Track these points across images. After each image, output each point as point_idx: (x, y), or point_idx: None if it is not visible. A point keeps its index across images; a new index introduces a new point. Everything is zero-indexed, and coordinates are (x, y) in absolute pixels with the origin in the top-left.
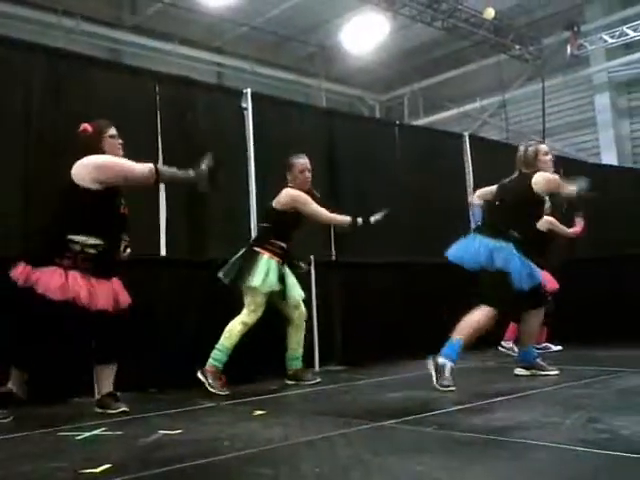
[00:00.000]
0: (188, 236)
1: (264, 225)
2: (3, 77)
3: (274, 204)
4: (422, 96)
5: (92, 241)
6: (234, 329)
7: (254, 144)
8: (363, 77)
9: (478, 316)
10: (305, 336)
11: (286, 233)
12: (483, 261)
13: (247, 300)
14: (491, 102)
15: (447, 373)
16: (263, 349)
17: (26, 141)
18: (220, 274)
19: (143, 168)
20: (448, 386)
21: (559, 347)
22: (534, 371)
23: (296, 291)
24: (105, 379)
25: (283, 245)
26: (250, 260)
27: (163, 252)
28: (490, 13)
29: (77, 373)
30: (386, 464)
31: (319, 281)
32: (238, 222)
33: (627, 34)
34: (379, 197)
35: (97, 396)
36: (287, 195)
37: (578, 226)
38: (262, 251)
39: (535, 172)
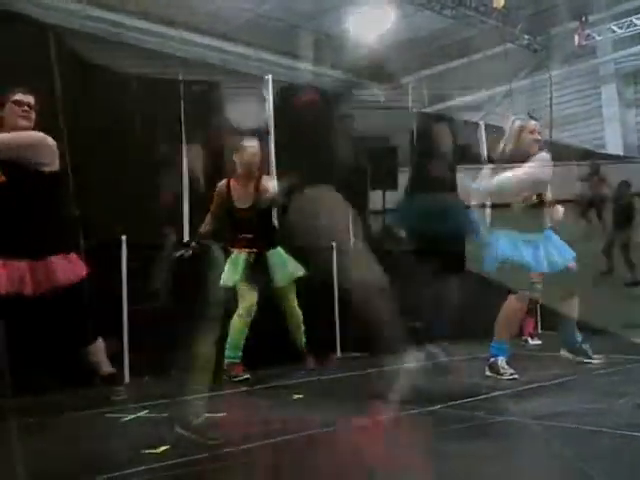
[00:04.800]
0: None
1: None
2: (30, 60)
3: None
4: (427, 85)
5: None
6: (233, 324)
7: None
8: (368, 65)
9: (505, 309)
10: (325, 322)
11: (238, 225)
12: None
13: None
14: (497, 92)
15: (500, 364)
16: (267, 335)
17: (51, 127)
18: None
19: None
20: (510, 374)
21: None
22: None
23: (280, 278)
24: (95, 360)
25: (247, 236)
26: (225, 260)
27: (187, 237)
28: (500, 2)
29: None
30: (451, 448)
31: (340, 267)
32: None
33: (636, 25)
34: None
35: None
36: None
37: None
38: (230, 248)
39: None
